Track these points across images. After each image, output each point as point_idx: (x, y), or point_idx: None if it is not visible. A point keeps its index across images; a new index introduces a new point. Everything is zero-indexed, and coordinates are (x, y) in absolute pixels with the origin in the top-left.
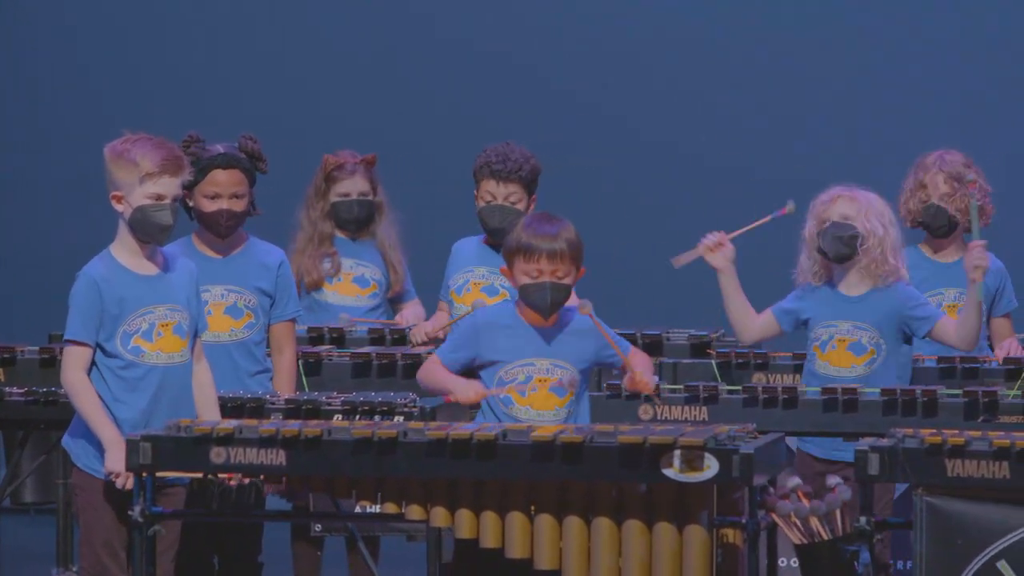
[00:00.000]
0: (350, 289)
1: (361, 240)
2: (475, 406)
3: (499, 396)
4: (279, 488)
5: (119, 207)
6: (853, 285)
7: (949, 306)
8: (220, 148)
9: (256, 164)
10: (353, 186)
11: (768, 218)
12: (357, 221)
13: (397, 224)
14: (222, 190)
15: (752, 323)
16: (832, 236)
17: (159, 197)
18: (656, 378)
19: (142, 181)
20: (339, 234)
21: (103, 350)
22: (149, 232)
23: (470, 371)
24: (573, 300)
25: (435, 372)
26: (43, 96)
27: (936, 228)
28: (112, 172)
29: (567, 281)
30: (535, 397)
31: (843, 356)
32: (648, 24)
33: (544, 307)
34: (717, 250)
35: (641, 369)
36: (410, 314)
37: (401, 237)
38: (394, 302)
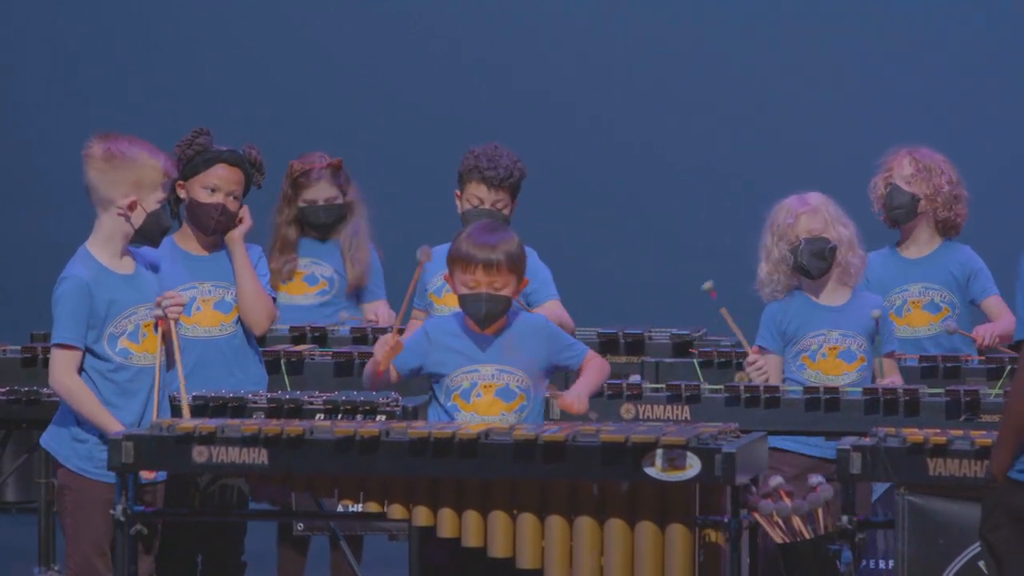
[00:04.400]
0: (299, 288)
1: (329, 240)
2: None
3: (445, 405)
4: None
5: (130, 212)
6: (831, 294)
7: (913, 301)
8: (224, 148)
9: (254, 174)
10: (319, 192)
11: (729, 320)
12: (324, 226)
13: (367, 223)
14: (222, 185)
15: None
16: (810, 254)
17: (163, 200)
18: (636, 378)
19: (164, 186)
20: (310, 235)
21: (92, 353)
22: (154, 235)
23: (423, 379)
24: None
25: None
26: (26, 95)
27: (893, 208)
28: (121, 178)
29: (505, 292)
30: (479, 403)
31: (835, 364)
32: (627, 25)
33: (479, 318)
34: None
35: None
36: (383, 312)
37: (373, 236)
38: (360, 301)
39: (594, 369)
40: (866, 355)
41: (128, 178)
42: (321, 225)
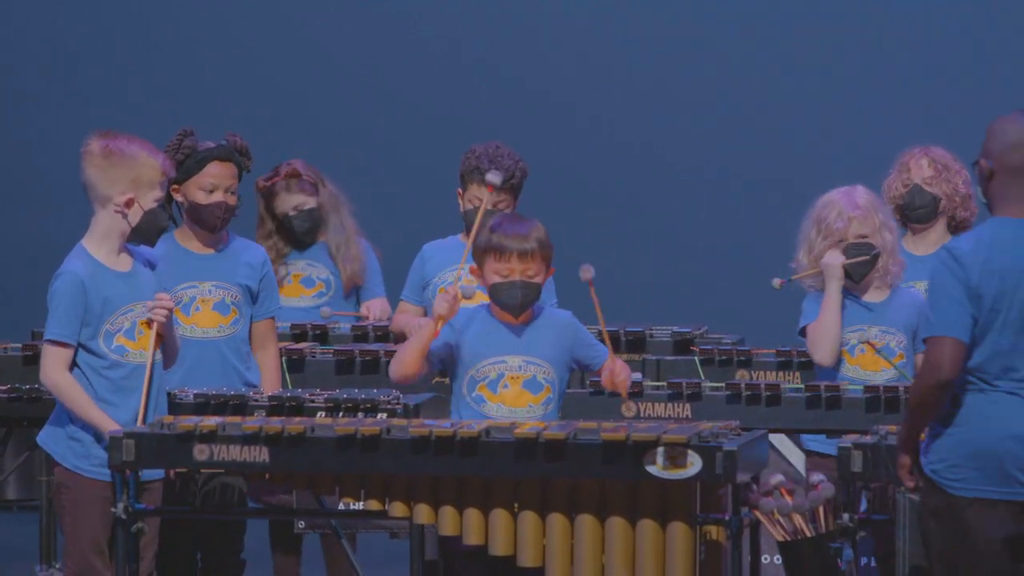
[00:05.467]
0: (295, 290)
1: (314, 245)
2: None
3: (470, 396)
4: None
5: (127, 210)
6: (872, 292)
7: None
8: (210, 143)
9: (244, 161)
10: (288, 202)
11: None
12: (302, 234)
13: (351, 219)
14: (219, 182)
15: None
16: (854, 258)
17: (160, 200)
18: (637, 375)
19: (162, 185)
20: (295, 243)
21: (87, 350)
22: (150, 234)
23: (448, 365)
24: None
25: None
26: (27, 95)
27: (916, 209)
28: (119, 175)
29: (537, 280)
30: (506, 394)
31: (873, 360)
32: (627, 25)
33: (515, 306)
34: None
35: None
36: (377, 307)
37: (364, 232)
38: (359, 300)
39: (622, 365)
40: (906, 352)
41: (126, 176)
42: (302, 233)
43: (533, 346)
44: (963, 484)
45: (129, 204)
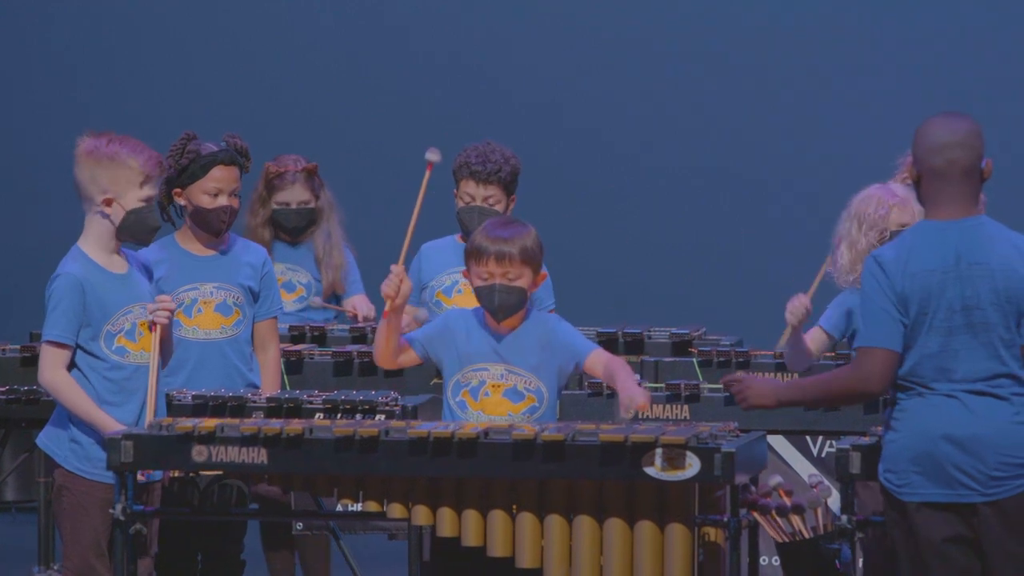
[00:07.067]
0: None
1: (300, 244)
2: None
3: (454, 400)
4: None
5: (107, 210)
6: None
7: None
8: (212, 146)
9: (244, 163)
10: (292, 195)
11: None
12: (296, 229)
13: (340, 228)
14: (224, 186)
15: (809, 357)
16: None
17: (149, 199)
18: (636, 377)
19: (141, 184)
20: (281, 237)
21: (88, 352)
22: (140, 234)
23: (435, 360)
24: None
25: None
26: (24, 95)
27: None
28: (99, 175)
29: (519, 284)
30: (487, 402)
31: None
32: (626, 25)
33: (492, 310)
34: (801, 312)
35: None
36: (363, 305)
37: (347, 239)
38: (339, 300)
39: (621, 367)
40: None
41: (105, 175)
42: (292, 228)
43: (516, 355)
44: (909, 489)
45: (108, 204)
